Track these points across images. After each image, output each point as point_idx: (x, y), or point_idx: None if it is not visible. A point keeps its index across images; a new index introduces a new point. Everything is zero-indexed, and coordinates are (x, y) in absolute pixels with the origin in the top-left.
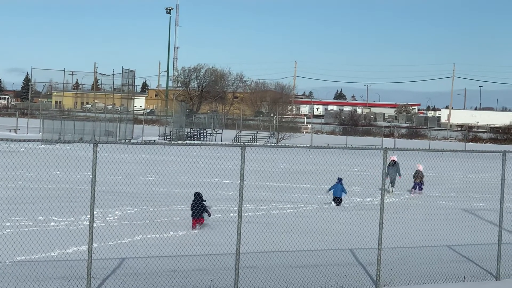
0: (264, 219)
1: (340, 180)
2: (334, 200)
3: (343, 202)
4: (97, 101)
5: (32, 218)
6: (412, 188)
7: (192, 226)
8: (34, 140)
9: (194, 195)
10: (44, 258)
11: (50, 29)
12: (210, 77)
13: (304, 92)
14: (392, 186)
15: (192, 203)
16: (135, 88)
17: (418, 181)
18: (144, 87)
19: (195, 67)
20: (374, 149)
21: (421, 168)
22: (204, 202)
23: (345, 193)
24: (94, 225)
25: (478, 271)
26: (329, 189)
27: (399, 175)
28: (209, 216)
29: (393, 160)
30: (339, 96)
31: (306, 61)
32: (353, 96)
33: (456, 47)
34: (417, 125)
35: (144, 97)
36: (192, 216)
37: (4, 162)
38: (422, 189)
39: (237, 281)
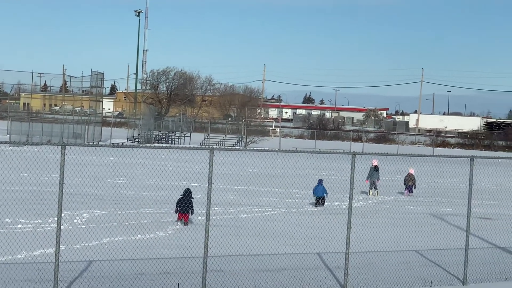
0: (232, 222)
1: (320, 181)
2: (316, 200)
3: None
4: (65, 103)
5: None
6: (405, 189)
7: (178, 218)
8: (1, 142)
9: (184, 190)
10: (11, 260)
11: (18, 31)
12: (179, 80)
13: (273, 96)
14: (376, 189)
15: (180, 198)
16: (104, 91)
17: (411, 184)
18: (113, 89)
19: (164, 70)
20: (343, 153)
21: (412, 171)
22: (192, 199)
23: (326, 194)
24: (62, 227)
25: (445, 276)
26: (313, 192)
27: (378, 179)
28: (191, 214)
29: (375, 165)
30: (308, 100)
31: (275, 65)
32: (321, 100)
33: (424, 52)
34: (386, 129)
35: (112, 100)
36: (176, 211)
37: None
38: (412, 191)
39: (205, 285)
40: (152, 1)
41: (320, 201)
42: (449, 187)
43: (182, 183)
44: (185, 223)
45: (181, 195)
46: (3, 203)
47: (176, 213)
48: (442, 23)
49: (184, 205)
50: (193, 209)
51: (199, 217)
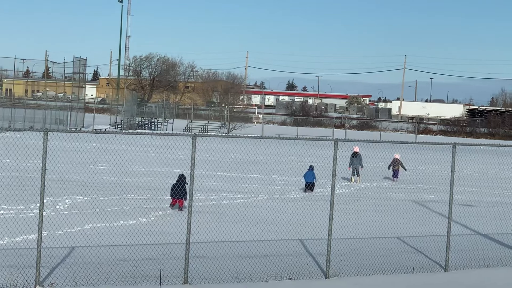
0: (215, 209)
1: (311, 167)
2: (306, 186)
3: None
4: (48, 89)
5: None
6: (392, 175)
7: (172, 204)
8: None
9: (178, 176)
10: None
11: (0, 16)
12: (162, 66)
13: (256, 83)
14: (358, 175)
15: (174, 184)
16: (86, 77)
17: (396, 168)
18: (96, 75)
19: (147, 56)
20: (325, 140)
21: (398, 156)
22: (186, 185)
23: (316, 180)
24: (44, 213)
25: (427, 262)
26: (304, 177)
27: (361, 166)
28: (185, 200)
29: (356, 152)
30: (291, 86)
31: (258, 51)
32: (304, 87)
33: (407, 39)
34: (368, 116)
35: (95, 86)
36: (171, 196)
37: None
38: (398, 176)
39: (187, 271)
40: None
41: (309, 186)
42: (431, 174)
43: (164, 169)
44: (180, 208)
45: (175, 181)
46: None
47: (171, 197)
48: (425, 10)
49: (179, 191)
50: (187, 195)
51: None
